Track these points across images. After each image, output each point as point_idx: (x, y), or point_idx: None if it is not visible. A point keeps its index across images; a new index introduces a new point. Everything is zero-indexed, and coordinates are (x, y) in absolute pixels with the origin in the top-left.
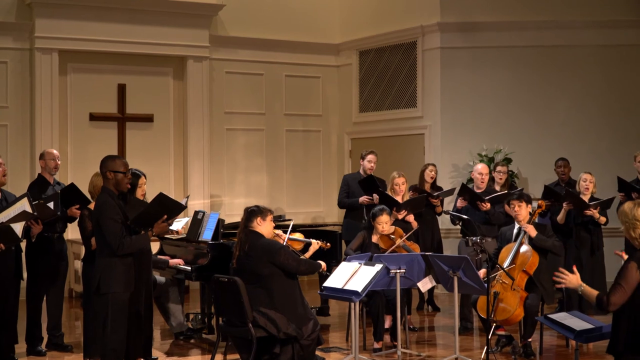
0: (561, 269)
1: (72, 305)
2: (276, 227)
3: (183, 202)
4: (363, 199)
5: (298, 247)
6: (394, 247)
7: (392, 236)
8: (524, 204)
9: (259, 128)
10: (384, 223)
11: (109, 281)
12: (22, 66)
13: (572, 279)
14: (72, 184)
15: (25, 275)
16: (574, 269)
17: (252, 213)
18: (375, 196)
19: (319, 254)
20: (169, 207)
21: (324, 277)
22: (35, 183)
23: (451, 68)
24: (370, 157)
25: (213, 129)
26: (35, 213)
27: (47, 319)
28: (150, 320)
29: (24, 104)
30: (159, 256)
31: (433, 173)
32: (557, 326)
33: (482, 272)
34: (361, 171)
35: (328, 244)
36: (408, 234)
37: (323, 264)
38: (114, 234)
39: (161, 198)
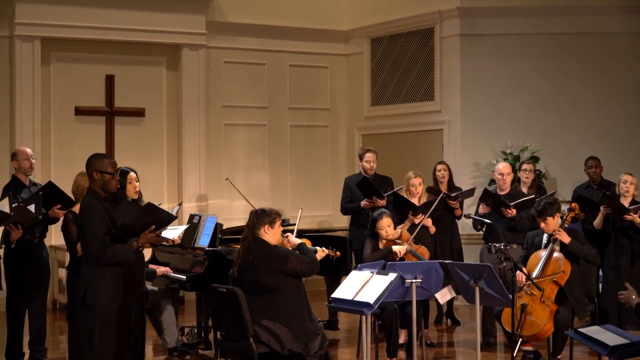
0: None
1: (56, 318)
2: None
3: (173, 212)
4: (364, 202)
5: None
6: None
7: (399, 241)
8: (549, 220)
9: (261, 123)
10: (387, 227)
11: (96, 291)
12: (1, 55)
13: (630, 292)
14: (50, 182)
15: (4, 285)
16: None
17: (259, 219)
18: (378, 199)
19: (326, 263)
20: (157, 217)
21: (333, 282)
22: (9, 185)
23: (472, 57)
24: (368, 155)
25: (210, 124)
26: (12, 213)
27: (29, 333)
28: (142, 334)
29: (2, 97)
30: (149, 265)
31: (442, 172)
32: (588, 341)
33: (520, 276)
34: (362, 172)
35: (338, 253)
36: (414, 234)
37: (319, 249)
38: (95, 241)
39: (149, 207)
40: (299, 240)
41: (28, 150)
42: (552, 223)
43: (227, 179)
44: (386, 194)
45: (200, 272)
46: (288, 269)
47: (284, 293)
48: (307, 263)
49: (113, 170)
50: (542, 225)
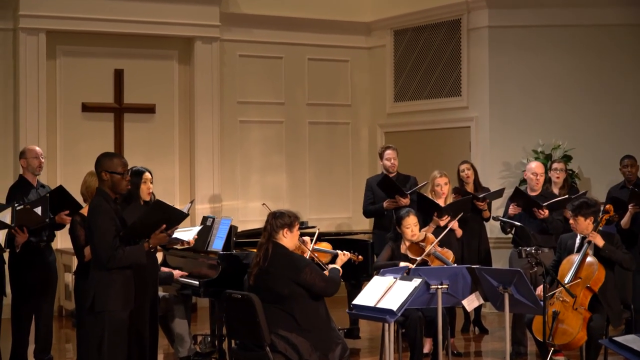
0: None
1: (62, 325)
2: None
3: (185, 209)
4: (387, 203)
5: (324, 258)
6: (423, 255)
7: (423, 243)
8: (580, 219)
9: (278, 120)
10: (413, 226)
11: (105, 297)
12: (4, 49)
13: None
14: (60, 187)
15: (8, 290)
16: None
17: (278, 222)
18: (401, 198)
19: (347, 268)
20: (167, 216)
21: (355, 288)
22: (16, 185)
23: (501, 50)
24: (388, 153)
25: (224, 121)
26: (13, 224)
27: (34, 341)
28: (154, 343)
29: (6, 93)
30: (162, 268)
31: (467, 172)
32: (624, 351)
33: (537, 290)
34: (384, 171)
35: (360, 257)
36: (440, 237)
37: (341, 256)
38: (104, 244)
39: (158, 205)
40: (332, 266)
41: (37, 148)
42: (582, 224)
43: (264, 204)
44: (409, 192)
45: (214, 277)
46: (301, 279)
47: (301, 301)
48: (323, 280)
49: (123, 170)
50: (572, 222)
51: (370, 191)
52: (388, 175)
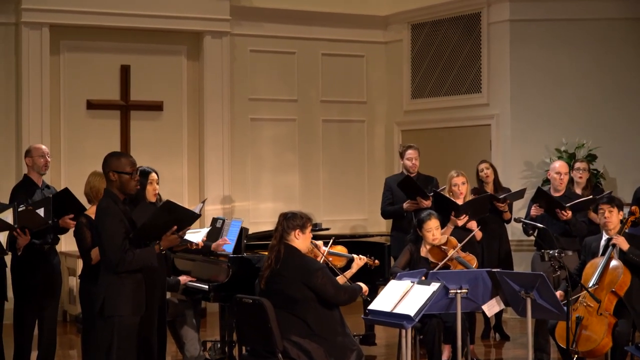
0: None
1: (67, 331)
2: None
3: (197, 210)
4: (407, 204)
5: (339, 263)
6: (445, 260)
7: (445, 247)
8: (615, 210)
9: (290, 118)
10: (434, 229)
11: (115, 302)
12: (6, 44)
13: None
14: (66, 189)
15: (11, 294)
16: None
17: (290, 223)
18: (422, 200)
19: (363, 272)
20: (178, 216)
21: (367, 301)
22: (20, 185)
23: (523, 45)
24: (410, 152)
25: (235, 119)
26: (16, 225)
27: (37, 347)
28: (162, 349)
29: (7, 90)
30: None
31: (486, 171)
32: None
33: (559, 294)
34: (404, 171)
35: (376, 261)
36: (463, 242)
37: (364, 286)
38: (114, 247)
39: (169, 206)
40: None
41: (44, 147)
42: (616, 217)
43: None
44: (430, 194)
45: (224, 281)
46: (312, 283)
47: (314, 306)
48: (334, 286)
49: (132, 170)
50: (607, 215)
51: (389, 191)
52: (409, 175)
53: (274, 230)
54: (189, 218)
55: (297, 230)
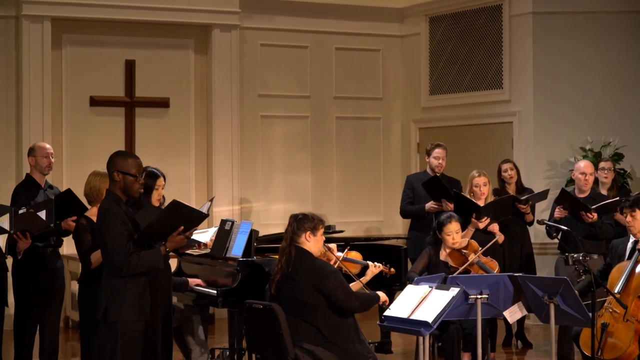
0: None
1: (69, 338)
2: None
3: (204, 209)
4: (430, 205)
5: (353, 269)
6: (466, 264)
7: (465, 251)
8: (638, 213)
9: (303, 115)
10: (454, 233)
11: (119, 307)
12: (6, 38)
13: None
14: (68, 190)
15: (12, 300)
16: None
17: (300, 225)
18: (447, 202)
19: (377, 276)
20: (185, 216)
21: (382, 307)
22: (22, 186)
23: (546, 39)
24: (437, 151)
25: (244, 116)
26: (12, 231)
27: (39, 354)
28: (168, 356)
29: (8, 86)
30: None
31: (510, 172)
32: None
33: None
34: (428, 170)
35: (392, 269)
36: (485, 247)
37: (383, 295)
38: (117, 250)
39: (175, 205)
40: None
41: (47, 146)
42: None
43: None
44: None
45: (233, 286)
46: (324, 287)
47: (327, 312)
48: (345, 292)
49: (137, 172)
50: (629, 219)
51: (410, 189)
52: (437, 175)
53: (285, 232)
54: (196, 218)
55: (308, 232)
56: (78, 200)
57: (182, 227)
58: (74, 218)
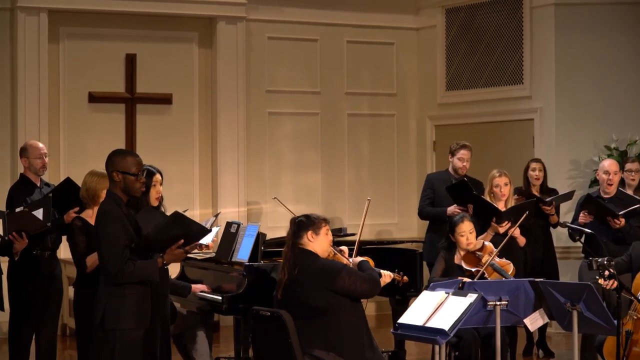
0: None
1: (66, 346)
2: (337, 243)
3: (207, 224)
4: (453, 209)
5: None
6: (481, 268)
7: (480, 253)
8: None
9: (313, 111)
10: (468, 233)
11: (117, 314)
12: (1, 31)
13: None
14: (67, 180)
15: (6, 305)
16: None
17: (300, 226)
18: (471, 208)
19: (390, 286)
20: (186, 230)
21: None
22: (17, 186)
23: (570, 31)
24: (462, 152)
25: (251, 113)
26: (6, 238)
27: None
28: None
29: (2, 82)
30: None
31: (538, 172)
32: None
33: None
34: (450, 170)
35: (405, 277)
36: (499, 247)
37: (386, 272)
38: (113, 256)
39: (177, 217)
40: (359, 258)
41: (40, 145)
42: None
43: (275, 197)
44: None
45: (239, 292)
46: (338, 286)
47: (338, 316)
48: (365, 281)
49: (137, 171)
50: None
51: (430, 189)
52: (464, 178)
53: (286, 236)
54: (197, 232)
55: (310, 232)
56: (79, 190)
57: (182, 241)
58: (77, 209)
